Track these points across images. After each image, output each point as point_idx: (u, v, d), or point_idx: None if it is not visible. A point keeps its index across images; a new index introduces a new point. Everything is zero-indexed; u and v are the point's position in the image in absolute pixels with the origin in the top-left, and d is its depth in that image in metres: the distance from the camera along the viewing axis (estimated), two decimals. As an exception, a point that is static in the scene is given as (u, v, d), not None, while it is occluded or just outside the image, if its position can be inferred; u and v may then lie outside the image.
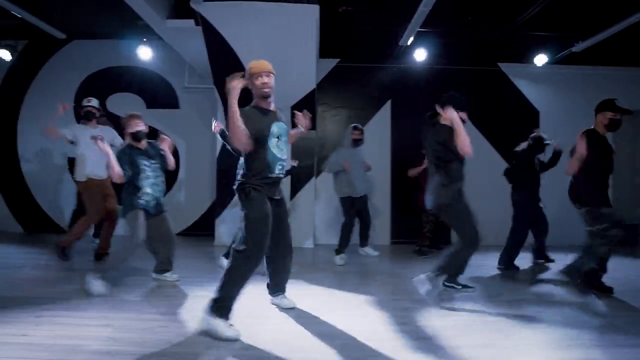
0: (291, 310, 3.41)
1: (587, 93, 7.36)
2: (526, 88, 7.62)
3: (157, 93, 7.71)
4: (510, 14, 6.03)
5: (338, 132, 7.37)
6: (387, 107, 7.52)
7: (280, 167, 3.13)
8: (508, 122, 7.52)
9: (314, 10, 5.37)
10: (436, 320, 3.24)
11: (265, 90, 3.05)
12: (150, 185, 4.02)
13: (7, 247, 6.23)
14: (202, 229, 7.42)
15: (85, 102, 5.15)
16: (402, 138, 7.39)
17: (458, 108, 3.68)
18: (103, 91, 7.67)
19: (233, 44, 5.68)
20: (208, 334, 2.80)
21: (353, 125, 5.90)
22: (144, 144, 4.10)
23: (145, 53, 7.00)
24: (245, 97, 3.00)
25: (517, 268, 5.16)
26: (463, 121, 3.69)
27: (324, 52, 7.22)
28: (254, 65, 3.06)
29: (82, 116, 5.16)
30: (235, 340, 2.73)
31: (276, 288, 3.52)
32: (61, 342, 2.61)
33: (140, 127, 4.03)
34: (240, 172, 3.21)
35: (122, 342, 2.66)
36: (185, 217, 7.57)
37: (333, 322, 3.17)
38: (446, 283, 3.92)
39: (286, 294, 3.54)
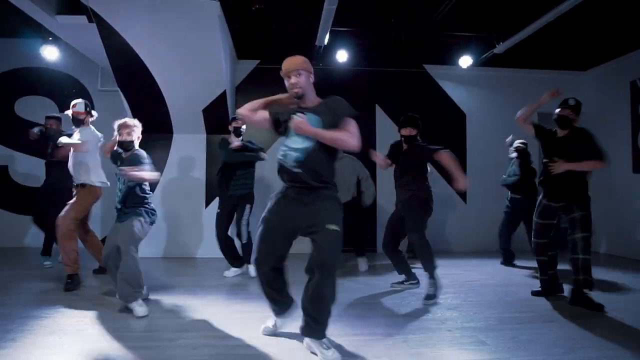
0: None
1: (509, 95, 7.36)
2: (452, 90, 7.52)
3: (70, 96, 7.21)
4: (424, 13, 5.92)
5: (260, 136, 7.10)
6: (312, 109, 7.28)
7: (291, 158, 2.75)
8: (436, 125, 7.41)
9: (215, 6, 5.01)
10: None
11: (294, 91, 2.81)
12: None
13: None
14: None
15: (70, 109, 4.54)
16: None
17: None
18: (9, 95, 7.19)
19: (132, 42, 5.30)
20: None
21: None
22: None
23: (50, 53, 6.51)
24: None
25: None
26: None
27: (243, 53, 6.94)
28: (284, 65, 2.82)
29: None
30: None
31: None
32: None
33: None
34: None
35: None
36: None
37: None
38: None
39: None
